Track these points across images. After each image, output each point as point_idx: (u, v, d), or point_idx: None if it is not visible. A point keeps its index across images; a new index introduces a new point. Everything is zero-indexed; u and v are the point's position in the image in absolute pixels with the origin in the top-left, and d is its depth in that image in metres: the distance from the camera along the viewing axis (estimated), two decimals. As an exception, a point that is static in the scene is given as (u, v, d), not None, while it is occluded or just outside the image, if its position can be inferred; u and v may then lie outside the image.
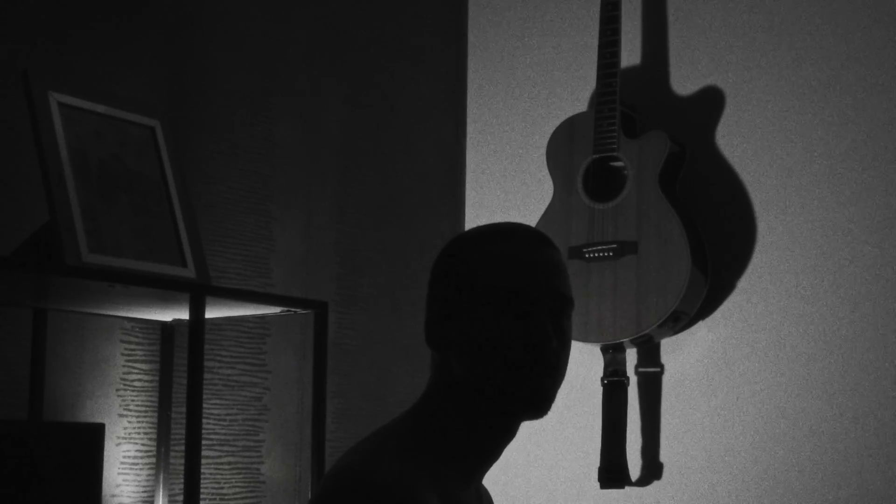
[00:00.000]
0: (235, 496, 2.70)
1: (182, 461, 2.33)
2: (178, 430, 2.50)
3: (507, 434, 1.62)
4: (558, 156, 2.97)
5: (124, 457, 2.50)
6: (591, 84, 3.04)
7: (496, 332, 1.57)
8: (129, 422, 2.52)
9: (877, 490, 2.71)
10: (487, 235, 1.64)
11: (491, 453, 1.62)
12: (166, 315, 2.45)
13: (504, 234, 1.63)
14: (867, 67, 2.82)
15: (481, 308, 1.58)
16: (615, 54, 2.89)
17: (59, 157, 2.11)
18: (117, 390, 2.50)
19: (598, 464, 2.88)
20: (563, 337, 1.60)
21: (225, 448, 2.69)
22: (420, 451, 1.56)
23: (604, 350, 2.89)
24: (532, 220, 3.00)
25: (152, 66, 2.62)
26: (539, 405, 1.58)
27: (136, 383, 2.53)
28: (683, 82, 3.02)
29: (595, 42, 2.97)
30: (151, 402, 2.54)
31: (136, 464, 2.52)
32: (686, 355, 2.93)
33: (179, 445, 2.50)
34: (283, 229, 2.87)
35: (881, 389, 2.74)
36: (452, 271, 1.64)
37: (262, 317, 2.62)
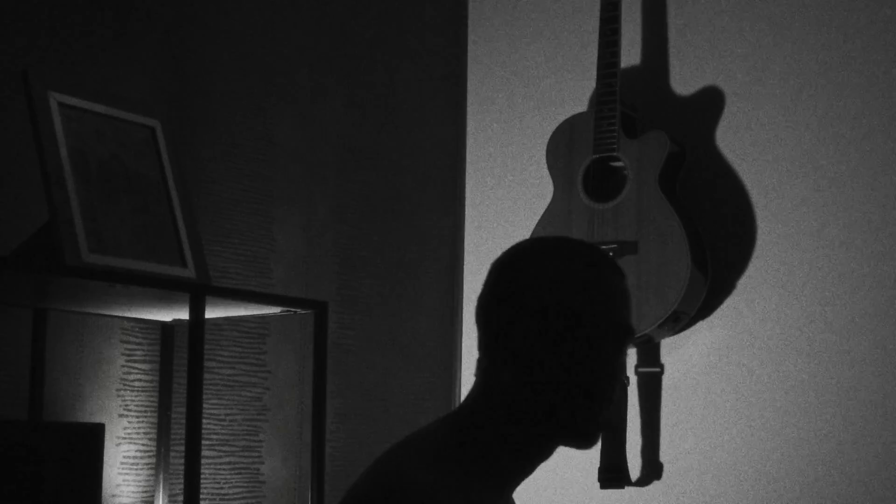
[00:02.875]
0: (235, 496, 2.70)
1: (182, 461, 2.33)
2: (178, 430, 2.50)
3: (548, 456, 1.61)
4: (558, 156, 2.97)
5: (124, 457, 2.49)
6: (591, 84, 3.04)
7: (586, 363, 1.54)
8: (129, 422, 2.52)
9: (877, 489, 2.71)
10: (581, 259, 1.59)
11: (527, 471, 1.61)
12: (166, 315, 2.45)
13: (601, 262, 1.59)
14: (868, 67, 2.81)
15: (575, 336, 1.54)
16: (615, 54, 2.89)
17: (59, 157, 2.11)
18: (117, 390, 2.50)
19: (598, 464, 2.88)
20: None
21: (225, 448, 2.69)
22: (456, 463, 1.55)
23: (604, 350, 2.89)
24: (532, 220, 3.00)
25: (152, 66, 2.62)
26: (597, 439, 1.59)
27: (136, 383, 2.53)
28: (683, 82, 3.02)
29: (595, 42, 2.97)
30: (151, 402, 2.54)
31: (136, 464, 2.52)
32: (686, 355, 2.93)
33: (179, 445, 2.50)
34: (283, 229, 2.87)
35: (881, 388, 2.74)
36: (536, 289, 1.57)
37: (262, 317, 2.62)
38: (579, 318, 1.55)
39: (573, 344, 1.54)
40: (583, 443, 1.58)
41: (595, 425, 1.57)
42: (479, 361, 1.61)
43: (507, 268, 1.61)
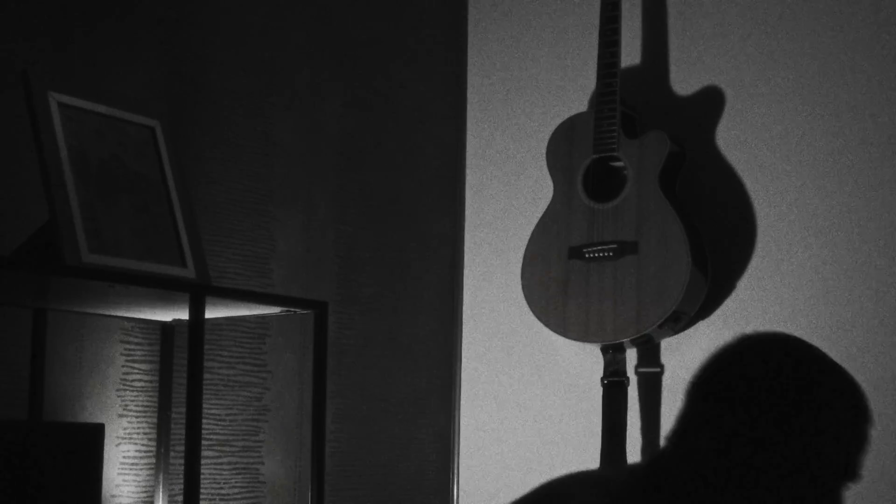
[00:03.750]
0: (235, 496, 2.70)
1: (182, 461, 2.33)
2: (178, 430, 2.50)
3: None
4: (558, 156, 2.97)
5: (124, 457, 2.50)
6: (591, 84, 3.04)
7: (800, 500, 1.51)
8: (129, 422, 2.52)
9: (878, 490, 2.71)
10: (838, 395, 1.60)
11: None
12: (166, 315, 2.45)
13: (859, 402, 1.62)
14: (867, 66, 2.81)
15: (801, 470, 1.52)
16: (615, 54, 2.89)
17: (59, 157, 2.11)
18: (117, 390, 2.50)
19: (598, 464, 2.87)
20: None
21: (225, 448, 2.69)
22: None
23: (604, 350, 2.89)
24: (532, 220, 3.00)
25: (152, 66, 2.62)
26: None
27: (136, 383, 2.53)
28: (683, 82, 3.02)
29: (595, 42, 2.97)
30: (151, 402, 2.54)
31: (136, 464, 2.52)
32: (686, 355, 2.93)
33: (179, 445, 2.50)
34: (283, 229, 2.87)
35: (881, 390, 2.73)
36: (782, 407, 1.53)
37: (262, 317, 2.62)
38: (815, 455, 1.52)
39: (793, 475, 1.51)
40: None
41: None
42: (678, 432, 1.58)
43: (758, 370, 1.55)
